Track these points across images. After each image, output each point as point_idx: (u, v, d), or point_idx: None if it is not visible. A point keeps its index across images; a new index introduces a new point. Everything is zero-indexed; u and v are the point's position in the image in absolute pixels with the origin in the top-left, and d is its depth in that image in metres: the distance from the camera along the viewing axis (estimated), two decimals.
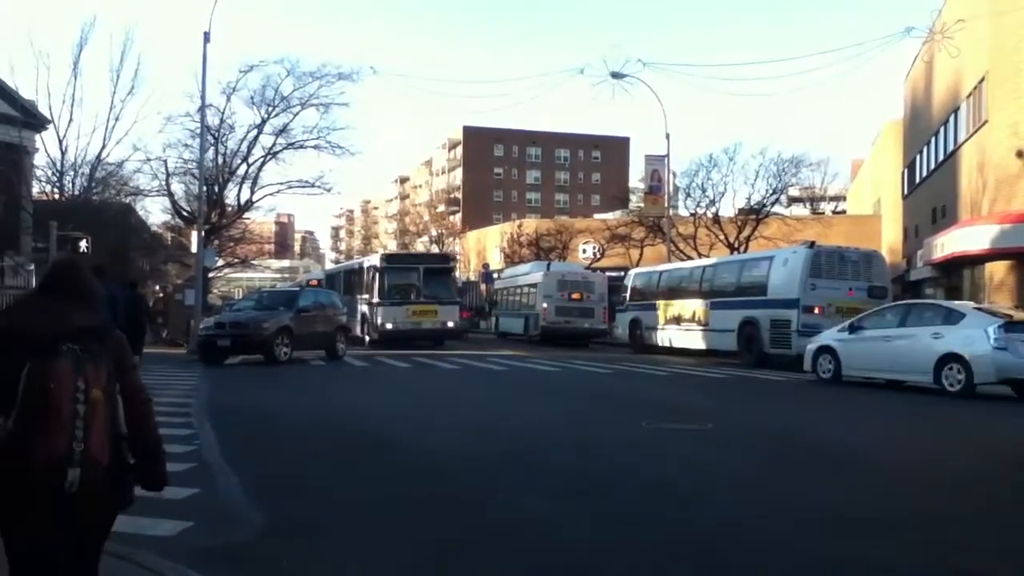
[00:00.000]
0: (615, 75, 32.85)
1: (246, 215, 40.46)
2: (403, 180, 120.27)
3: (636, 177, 64.25)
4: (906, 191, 39.44)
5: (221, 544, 5.14)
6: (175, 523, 5.48)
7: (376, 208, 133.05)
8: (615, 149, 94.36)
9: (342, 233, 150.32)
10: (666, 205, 37.26)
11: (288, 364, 19.48)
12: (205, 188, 30.46)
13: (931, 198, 33.09)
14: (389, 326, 26.45)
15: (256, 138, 36.70)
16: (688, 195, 39.72)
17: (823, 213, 63.23)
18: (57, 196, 32.68)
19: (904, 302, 17.13)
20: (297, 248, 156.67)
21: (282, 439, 9.25)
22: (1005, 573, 4.99)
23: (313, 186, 37.74)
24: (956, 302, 16.74)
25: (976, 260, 25.68)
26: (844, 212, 63.30)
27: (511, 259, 49.98)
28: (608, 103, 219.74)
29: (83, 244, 25.57)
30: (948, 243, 27.12)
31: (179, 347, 25.66)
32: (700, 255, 34.19)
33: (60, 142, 31.61)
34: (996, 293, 24.86)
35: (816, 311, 19.25)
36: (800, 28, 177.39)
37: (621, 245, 42.22)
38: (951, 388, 13.95)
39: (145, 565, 4.32)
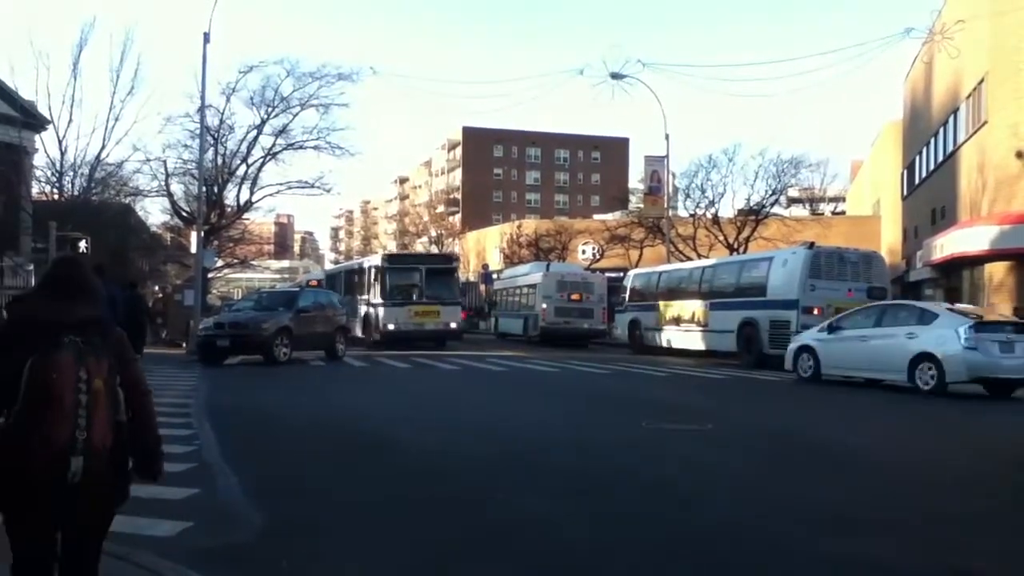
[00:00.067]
0: (615, 76, 32.87)
1: (245, 216, 40.48)
2: (403, 181, 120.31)
3: (636, 178, 64.36)
4: (905, 192, 39.46)
5: (220, 544, 5.13)
6: (174, 523, 5.47)
7: (376, 209, 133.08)
8: (615, 150, 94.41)
9: (341, 234, 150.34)
10: (665, 206, 37.27)
11: (287, 364, 19.47)
12: (204, 189, 30.45)
13: (931, 199, 33.11)
14: (391, 327, 26.25)
15: (256, 139, 36.76)
16: (687, 196, 39.77)
17: (822, 214, 63.27)
18: (57, 196, 32.70)
19: (880, 303, 17.21)
20: (296, 249, 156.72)
21: (281, 440, 9.24)
22: (1005, 573, 4.99)
23: (313, 187, 37.77)
24: (929, 303, 16.95)
25: (976, 261, 25.69)
26: (843, 213, 63.31)
27: (510, 260, 49.98)
28: (608, 104, 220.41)
29: (83, 244, 25.58)
30: (948, 244, 27.14)
31: (178, 347, 25.64)
32: (699, 256, 34.19)
33: (60, 142, 31.68)
34: (995, 294, 24.87)
35: (815, 312, 19.24)
36: (800, 28, 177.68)
37: (620, 246, 42.23)
38: (924, 387, 14.29)
39: (144, 565, 4.31)
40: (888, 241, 43.09)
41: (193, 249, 26.99)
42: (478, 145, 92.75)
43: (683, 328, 24.52)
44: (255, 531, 5.46)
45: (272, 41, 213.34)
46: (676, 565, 4.89)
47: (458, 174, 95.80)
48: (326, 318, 21.93)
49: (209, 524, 5.58)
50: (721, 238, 36.48)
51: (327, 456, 8.25)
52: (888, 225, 45.23)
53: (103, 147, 32.43)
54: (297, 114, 36.96)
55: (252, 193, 37.47)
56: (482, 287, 47.46)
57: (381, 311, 26.55)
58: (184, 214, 36.61)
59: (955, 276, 28.89)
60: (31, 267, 25.65)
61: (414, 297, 27.02)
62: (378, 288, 26.95)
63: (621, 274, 34.01)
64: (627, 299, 28.56)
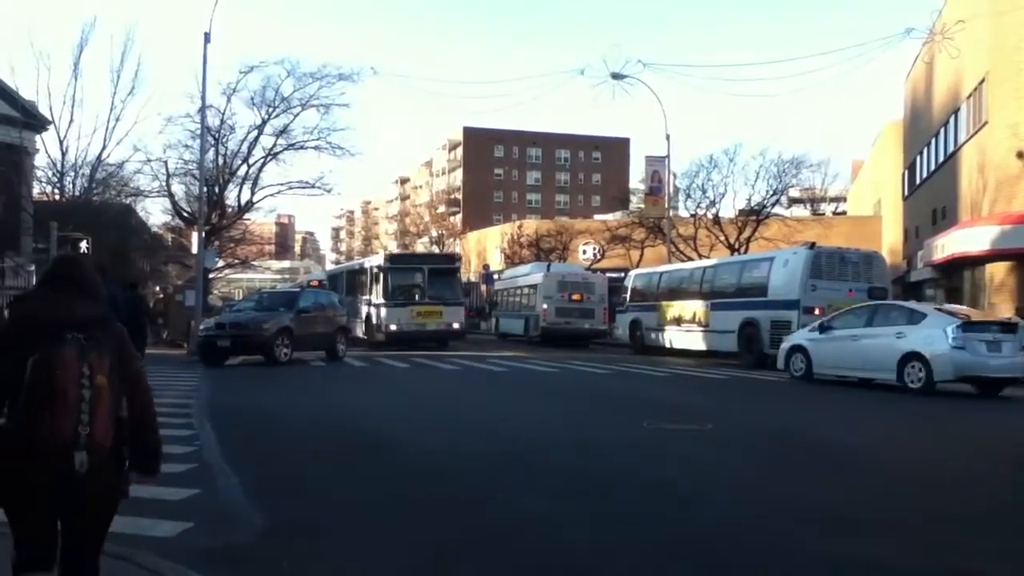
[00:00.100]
0: (615, 76, 32.86)
1: (246, 216, 40.47)
2: (403, 181, 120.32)
3: (636, 178, 64.35)
4: (906, 192, 39.45)
5: (221, 545, 5.14)
6: (175, 524, 5.48)
7: (376, 209, 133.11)
8: (615, 150, 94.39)
9: (342, 234, 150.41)
10: (666, 206, 37.26)
11: (288, 365, 19.48)
12: (205, 189, 30.45)
13: (931, 199, 33.10)
14: (393, 327, 26.13)
15: (256, 139, 36.72)
16: (688, 196, 39.73)
17: (823, 214, 63.28)
18: (57, 197, 32.69)
19: (870, 303, 17.30)
20: (297, 249, 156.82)
21: (282, 440, 9.25)
22: (1005, 573, 4.99)
23: (313, 187, 37.73)
24: (918, 303, 17.10)
25: (976, 261, 25.68)
26: (844, 213, 63.32)
27: (511, 260, 49.98)
28: (608, 104, 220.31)
29: (83, 245, 25.60)
30: (948, 244, 27.13)
31: (179, 348, 25.66)
32: (700, 256, 34.17)
33: (60, 143, 31.65)
34: (996, 294, 24.86)
35: (816, 312, 19.22)
36: (800, 28, 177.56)
37: (621, 246, 42.21)
38: (913, 385, 14.56)
39: (145, 566, 4.32)
40: (889, 241, 43.08)
41: (194, 249, 26.99)
42: (479, 145, 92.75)
43: (684, 328, 24.52)
44: (256, 531, 5.47)
45: (272, 41, 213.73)
46: (676, 565, 4.90)
47: (459, 174, 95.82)
48: (327, 318, 21.94)
49: (210, 524, 5.59)
50: (722, 238, 36.46)
51: (327, 456, 8.26)
52: (889, 225, 45.23)
53: (104, 147, 32.42)
54: (298, 114, 36.98)
55: (253, 193, 37.50)
56: (483, 287, 47.45)
57: (383, 311, 26.43)
58: (185, 214, 36.63)
59: (956, 276, 28.88)
60: (32, 267, 25.67)
61: (416, 297, 26.90)
62: (380, 288, 26.80)
63: (622, 274, 33.99)
64: (628, 299, 28.55)
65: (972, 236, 25.11)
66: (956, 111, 29.12)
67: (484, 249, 62.69)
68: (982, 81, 25.75)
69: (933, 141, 32.89)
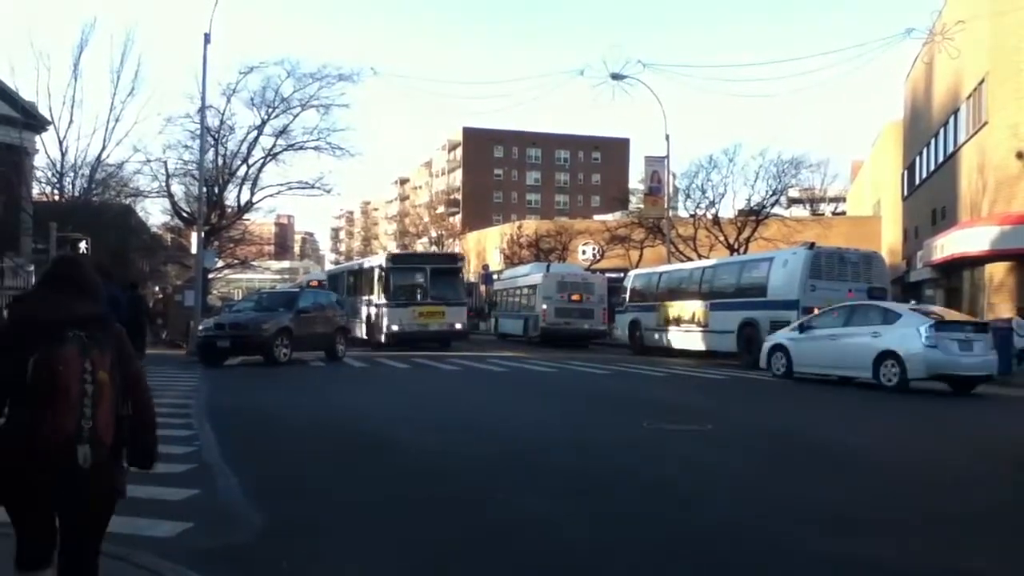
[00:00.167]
0: (615, 76, 32.86)
1: (246, 216, 40.45)
2: (403, 181, 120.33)
3: (636, 178, 64.25)
4: (906, 192, 39.47)
5: (221, 545, 5.13)
6: (174, 524, 5.48)
7: (376, 209, 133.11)
8: (615, 150, 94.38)
9: (342, 234, 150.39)
10: (666, 206, 37.27)
11: (288, 365, 19.48)
12: (205, 189, 30.44)
13: (931, 199, 33.12)
14: (395, 328, 25.88)
15: (256, 139, 36.71)
16: (688, 196, 39.75)
17: (823, 214, 63.29)
18: (57, 197, 32.70)
19: (848, 303, 17.45)
20: (297, 249, 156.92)
21: (282, 440, 9.24)
22: (1005, 573, 4.99)
23: (313, 187, 37.70)
24: (894, 303, 17.36)
25: (976, 261, 25.70)
26: (844, 213, 63.34)
27: (511, 260, 49.98)
28: (608, 104, 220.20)
29: (83, 245, 25.59)
30: (948, 244, 27.15)
31: (179, 348, 25.65)
32: (700, 256, 34.19)
33: (60, 143, 31.66)
34: (996, 294, 24.88)
35: (816, 312, 19.23)
36: (800, 28, 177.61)
37: (621, 246, 42.23)
38: (887, 383, 14.99)
39: (144, 566, 4.32)
40: (888, 241, 43.10)
41: (193, 250, 26.97)
42: (478, 146, 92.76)
43: (683, 328, 24.52)
44: (255, 532, 5.46)
45: (272, 41, 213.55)
46: (676, 565, 4.89)
47: (458, 175, 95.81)
48: (326, 319, 21.94)
49: (209, 525, 5.58)
50: (721, 238, 36.47)
51: (327, 456, 8.26)
52: (888, 225, 45.25)
53: (103, 148, 32.44)
54: (297, 115, 36.95)
55: (252, 194, 37.47)
56: (482, 288, 47.43)
57: (385, 312, 26.21)
58: (184, 215, 36.61)
59: (955, 276, 28.90)
60: (31, 268, 25.63)
61: (418, 297, 26.69)
62: (382, 288, 26.56)
63: (621, 275, 34.00)
64: (627, 300, 28.55)
65: (972, 236, 25.13)
66: (956, 111, 29.14)
67: (483, 249, 62.71)
68: (982, 81, 25.77)
69: (933, 141, 32.90)
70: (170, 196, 36.47)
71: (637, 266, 36.74)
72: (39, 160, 32.25)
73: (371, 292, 27.80)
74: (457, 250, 56.05)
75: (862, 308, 16.86)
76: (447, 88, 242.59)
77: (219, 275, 50.70)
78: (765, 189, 38.01)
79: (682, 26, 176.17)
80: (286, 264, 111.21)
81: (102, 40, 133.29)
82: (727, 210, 40.96)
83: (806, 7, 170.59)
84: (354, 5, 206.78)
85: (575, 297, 31.32)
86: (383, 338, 26.12)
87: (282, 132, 36.78)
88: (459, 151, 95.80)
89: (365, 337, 27.40)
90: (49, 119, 31.26)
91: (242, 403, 12.64)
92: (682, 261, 33.06)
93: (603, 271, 37.99)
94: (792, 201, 61.06)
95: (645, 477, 7.35)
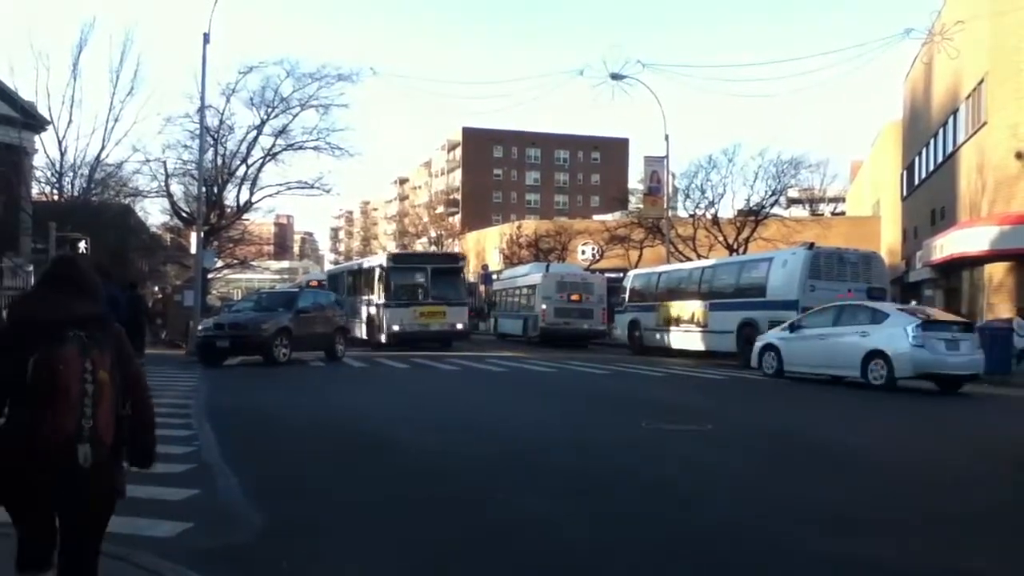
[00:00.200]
0: (615, 76, 32.85)
1: (245, 216, 40.42)
2: (402, 181, 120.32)
3: (635, 178, 64.28)
4: (905, 192, 39.48)
5: (220, 545, 5.13)
6: (174, 524, 5.48)
7: (375, 209, 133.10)
8: (614, 150, 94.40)
9: (341, 234, 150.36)
10: (665, 206, 37.27)
11: (287, 365, 19.47)
12: (204, 189, 30.42)
13: (930, 199, 33.12)
14: (396, 328, 25.72)
15: (255, 139, 36.70)
16: (687, 196, 39.75)
17: (822, 214, 63.30)
18: (56, 197, 32.73)
19: (837, 303, 17.52)
20: (296, 249, 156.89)
21: (281, 440, 9.24)
22: (1005, 573, 4.99)
23: (312, 187, 37.70)
24: (881, 303, 17.49)
25: (975, 261, 25.71)
26: (843, 213, 63.36)
27: (510, 260, 49.97)
28: (608, 104, 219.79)
29: (82, 245, 25.59)
30: (947, 244, 27.15)
31: (178, 348, 25.64)
32: (699, 256, 34.19)
33: (59, 143, 31.70)
34: (995, 294, 24.89)
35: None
36: (800, 28, 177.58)
37: (620, 246, 42.23)
38: (875, 382, 15.24)
39: (144, 566, 4.31)
40: (888, 242, 43.11)
41: (193, 250, 26.96)
42: (478, 146, 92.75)
43: (683, 328, 24.51)
44: (255, 532, 5.46)
45: (272, 41, 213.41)
46: (676, 565, 4.89)
47: (458, 175, 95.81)
48: (325, 319, 21.92)
49: (209, 525, 5.58)
50: (721, 239, 36.47)
51: (327, 456, 8.25)
52: (888, 226, 45.26)
53: (103, 148, 32.49)
54: (297, 115, 36.94)
55: (252, 194, 37.46)
56: (482, 288, 47.43)
57: (386, 312, 26.03)
58: (184, 215, 36.60)
59: (955, 277, 28.91)
60: (31, 268, 25.67)
61: (420, 297, 26.51)
62: (382, 288, 26.38)
63: (621, 275, 33.99)
64: (627, 300, 28.54)
65: (971, 236, 25.14)
66: (955, 111, 29.14)
67: (483, 249, 62.70)
68: (981, 81, 25.78)
69: (932, 141, 32.91)
70: (169, 196, 36.52)
71: (636, 266, 36.73)
72: (38, 160, 32.35)
73: (372, 292, 27.67)
74: (457, 250, 56.03)
75: (851, 308, 17.03)
76: (447, 88, 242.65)
77: (218, 275, 50.70)
78: (764, 189, 38.06)
79: (682, 26, 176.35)
80: (285, 264, 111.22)
81: (101, 40, 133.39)
82: (726, 210, 41.00)
83: (806, 7, 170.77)
84: (354, 5, 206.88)
85: (574, 297, 31.31)
86: (384, 338, 26.00)
87: (281, 132, 36.82)
88: (459, 151, 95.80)
89: (365, 337, 27.30)
90: (48, 119, 31.29)
91: (242, 403, 12.63)
92: (681, 261, 33.06)
93: (602, 271, 37.99)
94: (791, 201, 61.07)
95: (645, 477, 7.35)
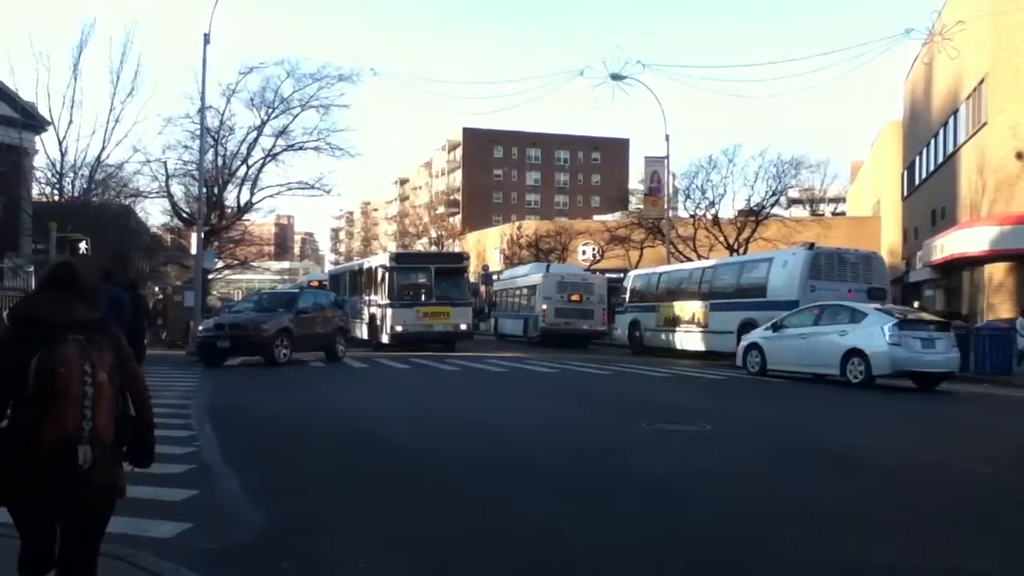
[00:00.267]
0: (615, 77, 32.85)
1: (246, 217, 40.41)
2: (403, 182, 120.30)
3: (636, 179, 64.38)
4: (906, 192, 39.49)
5: (220, 546, 5.13)
6: (174, 524, 5.48)
7: (376, 210, 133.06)
8: (615, 151, 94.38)
9: (342, 235, 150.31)
10: (665, 207, 37.29)
11: (287, 365, 19.47)
12: (205, 190, 30.44)
13: (931, 200, 33.13)
14: (399, 328, 25.40)
15: (256, 140, 36.71)
16: (688, 197, 39.79)
17: (823, 215, 63.32)
18: (57, 198, 32.71)
19: (818, 303, 17.79)
20: (297, 250, 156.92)
21: (282, 440, 9.24)
22: (1005, 573, 4.99)
23: (313, 188, 37.69)
24: (861, 303, 17.58)
25: (976, 262, 25.71)
26: (844, 214, 63.40)
27: (510, 260, 49.99)
28: (608, 105, 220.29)
29: (83, 246, 25.60)
30: (948, 244, 27.16)
31: (178, 348, 25.64)
32: (699, 257, 34.20)
33: (60, 144, 31.68)
34: (995, 294, 24.89)
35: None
36: (800, 29, 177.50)
37: (621, 247, 42.24)
38: (854, 380, 15.66)
39: (144, 566, 4.31)
40: (888, 242, 43.12)
41: (193, 250, 26.94)
42: (478, 146, 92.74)
43: (683, 329, 24.52)
44: (255, 532, 5.46)
45: (272, 42, 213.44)
46: (676, 565, 4.88)
47: (458, 175, 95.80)
48: (326, 319, 21.93)
49: (209, 525, 5.58)
50: (721, 239, 36.48)
51: (327, 456, 8.25)
52: (888, 226, 45.26)
53: (103, 148, 32.47)
54: (297, 115, 36.95)
55: (252, 194, 37.47)
56: (482, 288, 47.44)
57: (389, 312, 25.74)
58: (184, 215, 36.59)
59: (955, 277, 28.92)
60: (31, 268, 25.63)
61: (423, 298, 26.19)
62: (385, 288, 26.11)
63: (621, 275, 34.01)
64: (627, 300, 28.55)
65: (971, 237, 25.14)
66: (955, 112, 29.15)
67: (483, 250, 62.71)
68: (981, 82, 25.78)
69: (932, 142, 32.92)
70: (170, 196, 36.50)
71: (637, 266, 36.76)
72: (39, 160, 32.34)
73: (374, 292, 27.47)
74: (459, 250, 55.97)
75: (831, 308, 17.30)
76: (447, 88, 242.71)
77: (219, 276, 50.65)
78: (765, 189, 38.12)
79: (682, 26, 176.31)
80: (286, 264, 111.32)
81: (101, 40, 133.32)
82: (727, 210, 41.05)
83: (807, 7, 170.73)
84: (354, 5, 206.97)
85: (575, 297, 31.29)
86: (387, 339, 25.80)
87: (282, 132, 36.82)
88: (459, 151, 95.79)
89: (367, 338, 27.18)
90: (49, 119, 31.29)
91: (242, 403, 12.64)
92: (682, 261, 33.08)
93: (603, 271, 37.99)
94: (792, 201, 61.10)
95: (645, 477, 7.35)
